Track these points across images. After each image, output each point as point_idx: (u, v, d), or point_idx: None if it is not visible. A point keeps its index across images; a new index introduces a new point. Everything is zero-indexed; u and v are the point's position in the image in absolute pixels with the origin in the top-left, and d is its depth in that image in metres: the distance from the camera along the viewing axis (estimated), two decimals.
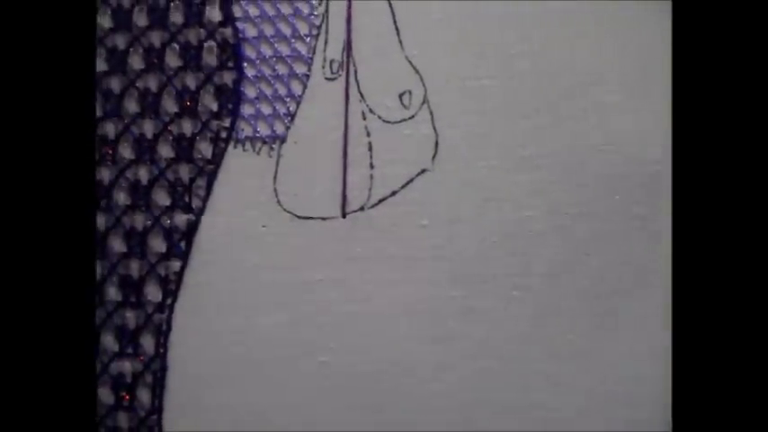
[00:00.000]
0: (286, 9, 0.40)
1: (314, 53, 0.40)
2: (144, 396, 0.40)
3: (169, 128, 0.41)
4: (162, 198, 0.41)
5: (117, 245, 0.41)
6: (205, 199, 0.40)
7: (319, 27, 0.40)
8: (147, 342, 0.40)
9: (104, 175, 0.41)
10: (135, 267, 0.41)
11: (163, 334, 0.40)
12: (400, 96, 0.39)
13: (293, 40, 0.40)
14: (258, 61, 0.40)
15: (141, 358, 0.40)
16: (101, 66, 0.41)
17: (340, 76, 0.40)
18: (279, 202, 0.40)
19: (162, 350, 0.40)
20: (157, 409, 0.40)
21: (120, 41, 0.41)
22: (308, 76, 0.40)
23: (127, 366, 0.40)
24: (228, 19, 0.41)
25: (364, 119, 0.40)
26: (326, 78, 0.40)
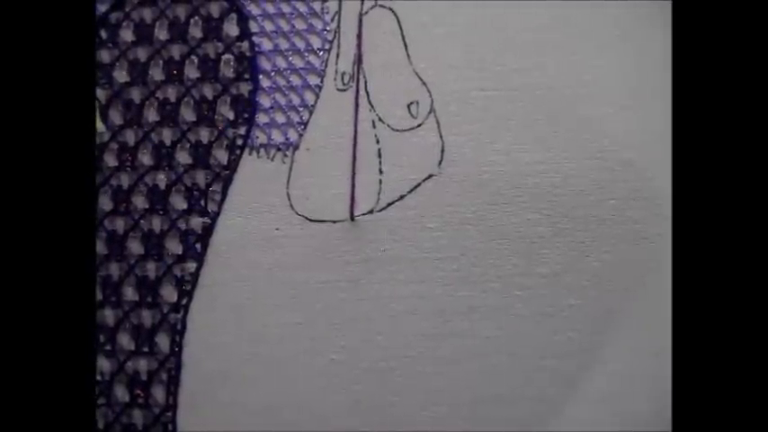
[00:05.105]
0: (300, 25, 0.43)
1: (326, 66, 0.42)
2: (159, 393, 0.41)
3: (187, 136, 0.43)
4: (179, 202, 0.42)
5: (135, 247, 0.42)
6: (221, 203, 0.42)
7: (332, 42, 0.42)
8: (163, 341, 0.42)
9: (124, 180, 0.43)
10: (152, 268, 0.42)
11: (178, 333, 0.41)
12: (408, 106, 0.41)
13: (307, 54, 0.42)
14: (273, 73, 0.43)
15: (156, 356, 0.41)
16: (123, 77, 0.43)
17: (351, 87, 0.42)
18: (291, 206, 0.41)
19: (177, 349, 0.41)
20: (172, 406, 0.41)
21: (142, 54, 0.43)
22: (320, 87, 0.42)
23: (142, 364, 0.42)
24: (245, 34, 0.43)
25: (374, 127, 0.42)
26: (338, 89, 0.42)
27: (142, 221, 0.42)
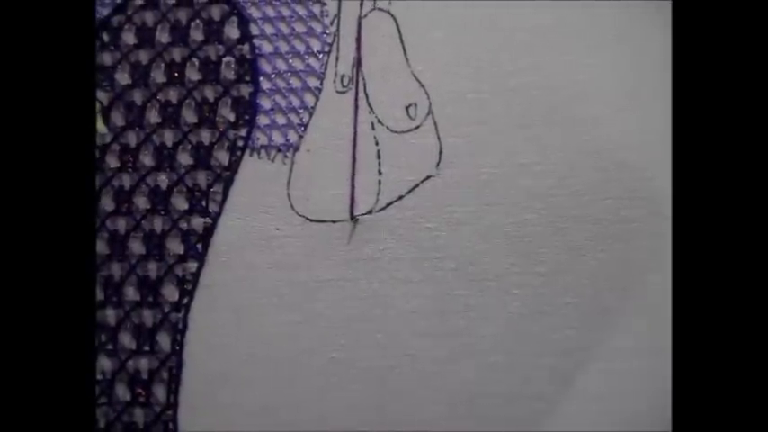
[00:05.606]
0: (300, 28, 0.43)
1: (326, 68, 0.43)
2: (160, 392, 0.42)
3: (188, 137, 0.43)
4: (180, 203, 0.43)
5: (136, 247, 0.43)
6: (222, 204, 0.42)
7: (331, 45, 0.43)
8: (164, 340, 0.42)
9: (126, 181, 0.43)
10: (153, 268, 0.42)
11: (179, 332, 0.42)
12: (407, 108, 0.42)
13: (307, 57, 0.43)
14: (274, 75, 0.43)
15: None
16: (124, 79, 0.44)
17: (350, 89, 0.43)
18: (292, 206, 0.42)
19: (178, 348, 0.42)
20: (173, 405, 0.41)
21: (144, 57, 0.44)
22: (320, 90, 0.43)
23: (143, 363, 0.42)
24: (246, 37, 0.43)
25: (373, 129, 0.42)
26: (337, 92, 0.43)
27: (144, 222, 0.43)
